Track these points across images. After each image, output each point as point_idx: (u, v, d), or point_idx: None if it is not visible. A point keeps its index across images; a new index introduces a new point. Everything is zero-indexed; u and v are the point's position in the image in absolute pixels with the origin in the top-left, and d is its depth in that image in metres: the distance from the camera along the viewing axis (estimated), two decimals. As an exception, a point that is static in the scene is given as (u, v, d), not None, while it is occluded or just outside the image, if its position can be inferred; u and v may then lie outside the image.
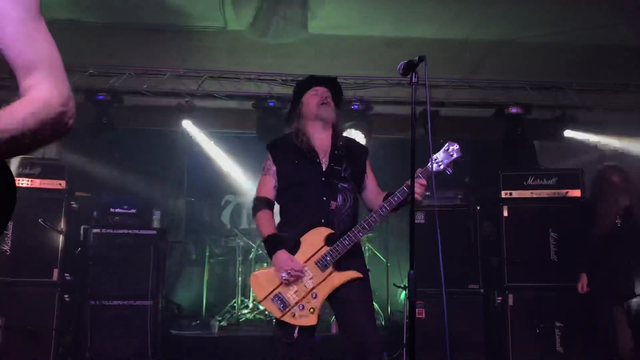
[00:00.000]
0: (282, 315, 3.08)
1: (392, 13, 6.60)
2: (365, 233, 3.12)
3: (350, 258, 3.14)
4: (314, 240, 3.12)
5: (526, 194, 5.89)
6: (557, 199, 5.83)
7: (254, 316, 7.11)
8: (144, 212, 6.07)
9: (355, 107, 6.36)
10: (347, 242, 3.07)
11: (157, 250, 5.82)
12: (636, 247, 4.82)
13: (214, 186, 8.31)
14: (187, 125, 6.66)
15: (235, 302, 7.35)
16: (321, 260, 3.09)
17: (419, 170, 3.04)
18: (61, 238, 5.56)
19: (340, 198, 3.20)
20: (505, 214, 5.83)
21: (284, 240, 3.17)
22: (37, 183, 5.67)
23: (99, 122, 6.27)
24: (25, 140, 1.19)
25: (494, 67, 6.85)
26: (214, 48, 6.91)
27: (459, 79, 6.58)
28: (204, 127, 6.84)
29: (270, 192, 3.30)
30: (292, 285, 3.09)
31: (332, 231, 3.13)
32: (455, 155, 3.11)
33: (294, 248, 3.14)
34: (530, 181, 5.89)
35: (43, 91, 1.25)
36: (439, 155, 3.11)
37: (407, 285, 5.59)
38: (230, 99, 6.56)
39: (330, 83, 3.46)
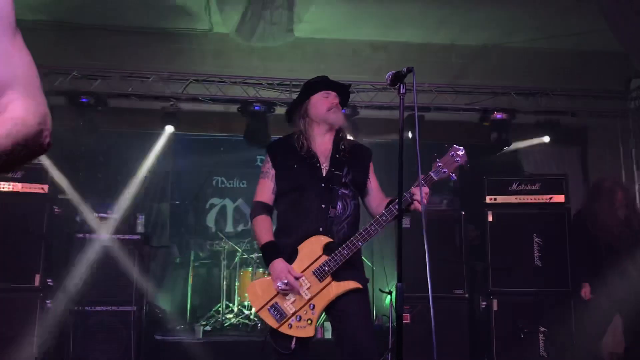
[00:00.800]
0: (279, 326, 2.99)
1: (377, 17, 6.62)
2: (365, 242, 3.00)
3: (349, 268, 3.04)
4: (312, 249, 3.03)
5: (511, 199, 5.93)
6: (541, 205, 5.88)
7: (239, 321, 7.07)
8: (128, 217, 6.01)
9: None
10: (346, 252, 2.98)
11: (141, 256, 5.75)
12: (634, 256, 4.89)
13: (198, 189, 8.26)
14: (172, 129, 6.60)
15: (219, 307, 7.30)
16: (319, 270, 2.99)
17: (422, 176, 2.91)
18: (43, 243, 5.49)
19: (339, 205, 3.10)
20: (490, 219, 5.87)
21: (281, 248, 3.08)
22: (19, 187, 5.58)
23: (81, 126, 6.19)
24: (1, 161, 1.16)
25: (479, 71, 6.90)
26: (199, 51, 6.88)
27: (445, 84, 6.59)
28: (190, 130, 6.80)
29: (269, 197, 3.19)
30: (289, 296, 3.01)
31: (331, 240, 3.03)
32: (460, 161, 3.01)
33: (291, 256, 3.05)
34: (514, 187, 5.94)
35: (19, 110, 1.21)
36: (443, 161, 3.02)
37: (392, 290, 5.62)
38: (215, 102, 6.52)
39: (342, 89, 3.37)
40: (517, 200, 5.91)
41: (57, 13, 6.47)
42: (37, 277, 5.45)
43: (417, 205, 2.96)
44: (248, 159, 8.20)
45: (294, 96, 6.43)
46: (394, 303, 5.59)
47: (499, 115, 6.40)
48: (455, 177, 3.02)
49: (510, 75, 6.81)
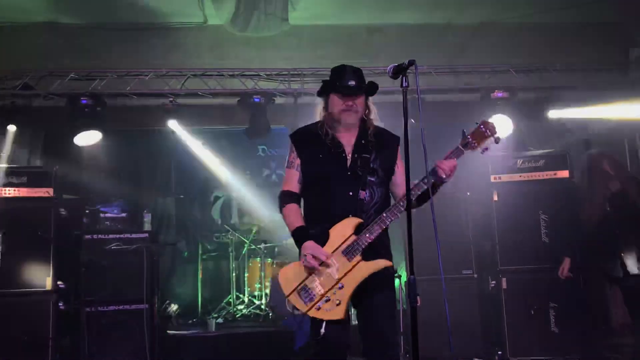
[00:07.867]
0: (308, 309, 2.98)
1: (372, 0, 6.55)
2: (395, 218, 2.97)
3: (377, 252, 3.03)
4: (343, 230, 3.02)
5: (515, 177, 5.92)
6: (545, 181, 5.88)
7: (250, 311, 7.13)
8: (134, 216, 6.03)
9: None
10: (376, 227, 2.96)
11: (149, 253, 5.78)
12: (625, 230, 4.87)
13: (202, 182, 8.28)
14: (173, 125, 6.59)
15: (230, 298, 7.36)
16: (348, 248, 2.98)
17: (450, 151, 2.99)
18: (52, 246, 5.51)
19: (367, 193, 3.08)
20: (495, 198, 5.87)
21: (312, 232, 3.08)
22: (25, 192, 5.61)
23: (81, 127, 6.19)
24: None
25: (478, 50, 6.83)
26: (195, 44, 6.83)
27: (443, 65, 6.54)
28: (190, 125, 6.77)
29: (295, 186, 3.21)
30: (319, 277, 2.99)
31: (361, 220, 3.01)
32: (489, 134, 3.00)
33: (322, 241, 3.04)
34: (519, 164, 5.93)
35: None
36: (473, 135, 3.01)
37: (400, 274, 5.63)
38: (214, 96, 6.49)
39: (360, 91, 3.20)
40: (522, 178, 5.90)
41: (49, 14, 6.41)
42: (48, 280, 5.50)
43: (444, 178, 3.00)
44: (249, 150, 8.23)
45: (293, 86, 6.46)
46: (403, 286, 5.65)
47: (499, 94, 6.36)
48: (486, 151, 3.02)
49: (509, 52, 6.75)
